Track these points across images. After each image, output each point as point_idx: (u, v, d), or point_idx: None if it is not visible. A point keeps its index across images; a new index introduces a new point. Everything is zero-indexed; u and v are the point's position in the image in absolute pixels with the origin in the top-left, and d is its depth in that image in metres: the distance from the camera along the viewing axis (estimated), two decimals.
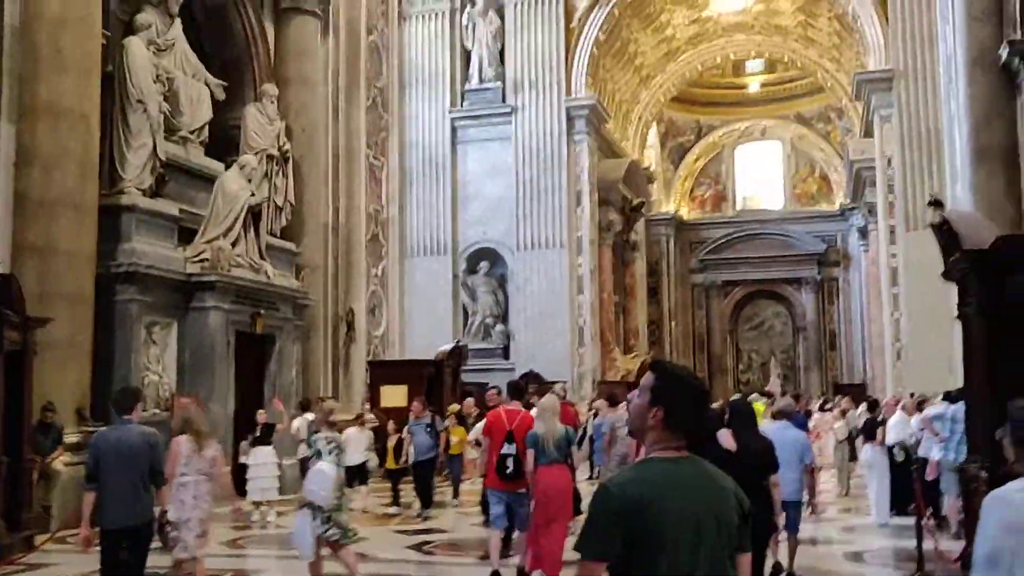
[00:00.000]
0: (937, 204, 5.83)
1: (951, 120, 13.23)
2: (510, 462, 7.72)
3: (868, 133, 26.20)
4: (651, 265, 33.93)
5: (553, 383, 23.20)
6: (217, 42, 13.34)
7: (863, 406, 12.78)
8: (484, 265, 25.51)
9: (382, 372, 14.72)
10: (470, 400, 13.40)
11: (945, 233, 5.26)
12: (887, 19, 23.27)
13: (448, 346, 16.24)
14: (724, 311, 36.46)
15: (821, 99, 33.97)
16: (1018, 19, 10.74)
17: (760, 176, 36.76)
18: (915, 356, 22.42)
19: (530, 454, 7.47)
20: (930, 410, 8.93)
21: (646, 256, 33.20)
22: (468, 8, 25.88)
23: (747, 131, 36.35)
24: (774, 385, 26.68)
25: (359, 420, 11.51)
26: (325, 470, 6.70)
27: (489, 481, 8.00)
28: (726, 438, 6.77)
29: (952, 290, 20.18)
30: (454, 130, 25.75)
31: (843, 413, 13.25)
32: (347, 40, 14.75)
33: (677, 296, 35.58)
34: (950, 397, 8.96)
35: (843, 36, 27.19)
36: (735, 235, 35.97)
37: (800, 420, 9.48)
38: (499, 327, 25.45)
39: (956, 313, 5.85)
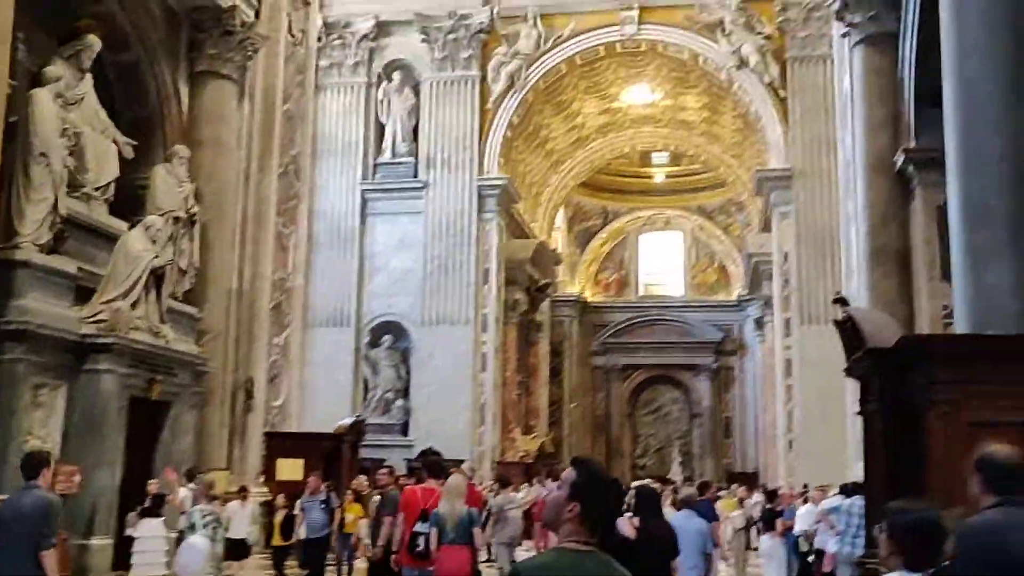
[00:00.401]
0: (842, 302, 6.03)
1: (848, 220, 13.81)
2: (422, 540, 7.82)
3: (767, 228, 27.14)
4: (554, 346, 34.15)
5: (461, 462, 23.02)
6: (129, 100, 13.12)
7: (757, 495, 12.96)
8: (388, 339, 25.30)
9: (279, 444, 14.33)
10: (362, 478, 13.12)
11: (849, 330, 5.43)
12: (787, 121, 24.36)
13: (348, 420, 15.94)
14: (623, 395, 36.82)
15: (722, 193, 35.11)
16: (913, 130, 11.35)
17: (662, 263, 37.61)
18: (807, 447, 22.94)
19: (433, 532, 7.65)
20: (826, 502, 9.11)
21: (550, 337, 33.42)
22: (384, 83, 26.12)
23: (651, 219, 37.27)
24: (675, 472, 26.91)
25: (242, 493, 11.16)
26: (197, 544, 6.46)
27: (401, 558, 8.10)
28: (625, 526, 6.92)
29: (844, 385, 20.77)
30: (364, 202, 25.74)
31: (740, 502, 13.39)
32: (263, 107, 14.67)
33: (578, 378, 35.83)
34: (846, 490, 9.16)
35: (745, 134, 28.27)
36: (636, 320, 36.56)
37: (707, 507, 9.58)
38: (399, 402, 25.18)
39: (858, 409, 5.98)
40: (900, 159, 11.49)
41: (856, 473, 13.58)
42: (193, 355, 12.04)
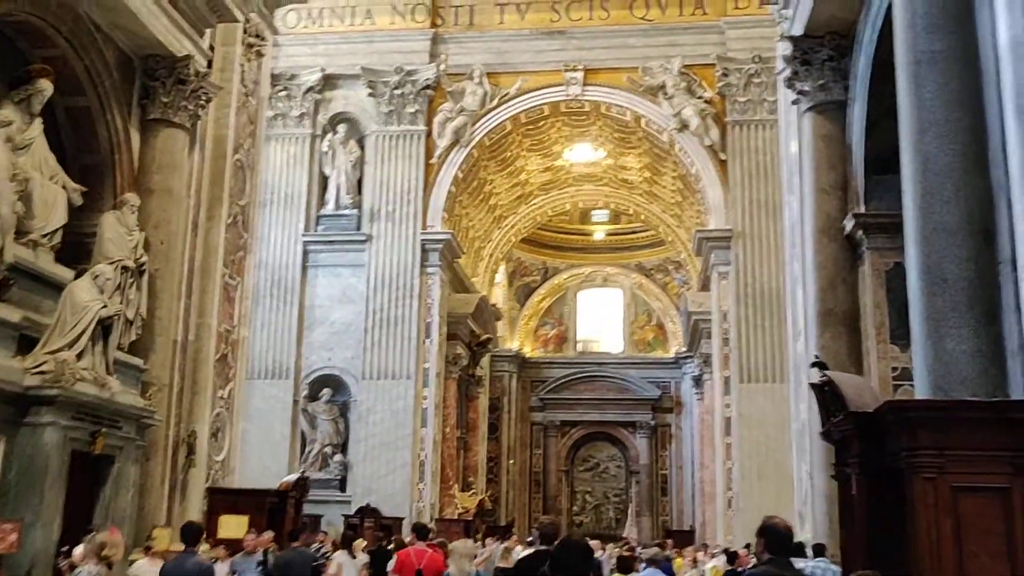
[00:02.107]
0: (820, 365, 6.14)
1: (794, 281, 14.09)
2: None
3: (705, 287, 27.58)
4: (493, 401, 34.05)
5: (400, 519, 22.66)
6: (79, 146, 12.88)
7: (719, 558, 12.97)
8: (327, 392, 24.98)
9: (222, 500, 13.94)
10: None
11: (827, 394, 5.52)
12: (727, 183, 24.90)
13: (293, 476, 15.62)
14: (561, 451, 36.77)
15: (661, 251, 35.62)
16: (862, 194, 11.69)
17: (601, 320, 37.88)
18: (746, 505, 23.10)
19: None
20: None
21: (489, 392, 33.31)
22: (329, 135, 26.11)
23: (590, 276, 37.60)
24: (630, 531, 26.89)
25: (148, 551, 10.64)
26: None
27: None
28: None
29: (785, 444, 20.96)
30: (306, 254, 25.55)
31: (694, 562, 13.40)
32: (213, 156, 14.51)
33: (517, 433, 35.69)
34: (819, 550, 9.21)
35: (685, 195, 28.80)
36: (575, 376, 36.68)
37: (666, 567, 9.59)
38: (337, 457, 24.79)
39: (833, 473, 6.05)
40: (850, 223, 11.81)
41: (805, 534, 13.70)
42: (139, 408, 11.71)
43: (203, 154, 14.41)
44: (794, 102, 13.20)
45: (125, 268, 11.91)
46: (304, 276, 25.48)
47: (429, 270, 25.84)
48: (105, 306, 11.03)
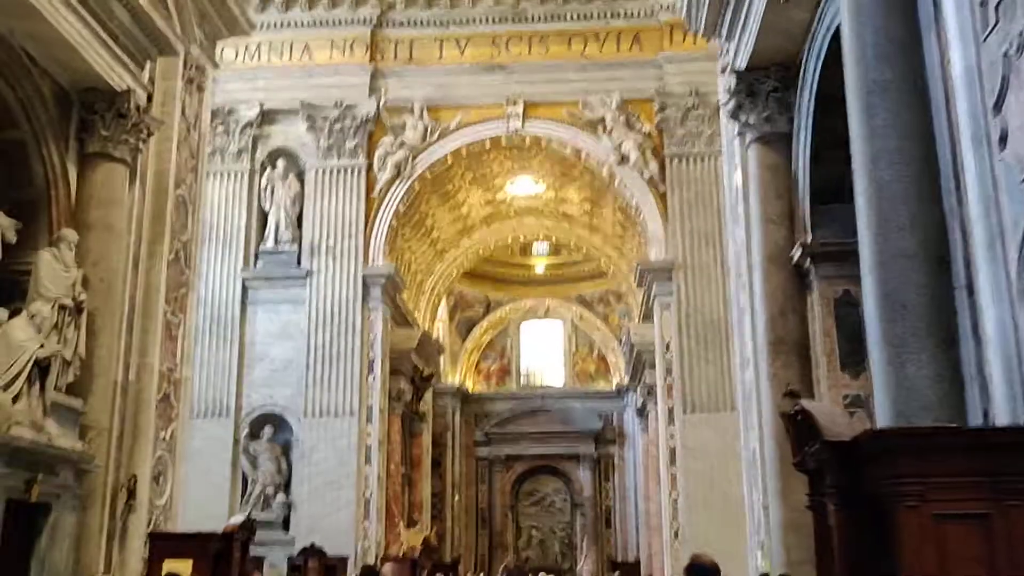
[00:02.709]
0: (793, 394, 6.12)
1: (741, 311, 14.20)
2: None
3: (648, 318, 27.73)
4: (436, 436, 33.68)
5: (345, 559, 22.23)
6: (12, 180, 12.46)
7: None
8: (268, 431, 24.46)
9: (165, 546, 13.40)
10: None
11: (800, 423, 5.49)
12: (667, 215, 25.13)
13: (239, 518, 15.16)
14: (506, 486, 36.51)
15: (602, 283, 35.80)
16: (808, 223, 11.85)
17: (543, 353, 37.86)
18: (692, 535, 23.12)
19: None
20: None
21: (432, 427, 32.98)
22: (268, 170, 25.79)
23: (532, 309, 37.61)
24: (584, 565, 26.73)
25: None
26: None
27: None
28: None
29: (731, 475, 21.04)
30: (245, 290, 25.11)
31: None
32: (154, 191, 14.15)
33: (461, 469, 35.37)
34: None
35: (626, 227, 29.01)
36: (518, 409, 36.55)
37: None
38: (280, 497, 24.23)
39: (807, 503, 6.01)
40: (797, 253, 11.94)
41: (756, 562, 13.71)
42: (77, 452, 11.28)
43: (143, 189, 14.05)
44: (739, 134, 13.37)
45: (63, 307, 11.51)
46: (244, 313, 25.02)
47: (371, 305, 25.56)
48: (42, 346, 10.63)
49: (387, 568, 10.58)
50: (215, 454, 23.78)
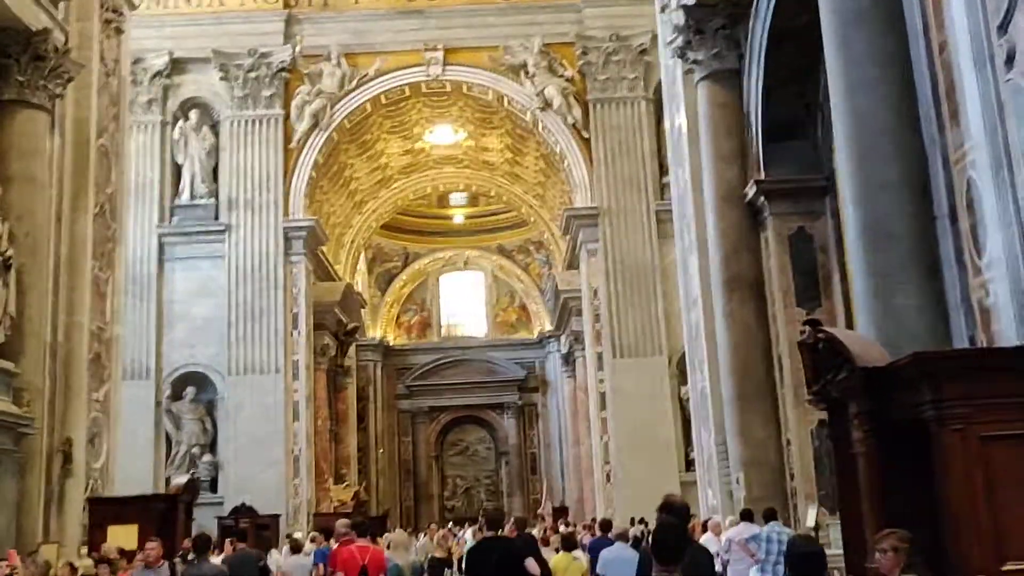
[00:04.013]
0: (813, 323, 6.05)
1: (686, 251, 14.22)
2: None
3: (573, 265, 27.74)
4: (359, 391, 33.29)
5: (277, 516, 21.84)
6: None
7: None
8: (191, 391, 23.75)
9: (106, 510, 12.91)
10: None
11: (821, 352, 5.42)
12: (591, 161, 25.03)
13: (183, 479, 14.70)
14: (430, 437, 36.43)
15: (522, 232, 35.68)
16: (761, 161, 11.85)
17: (464, 304, 37.67)
18: (624, 478, 23.41)
19: None
20: (742, 530, 9.11)
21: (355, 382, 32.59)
22: (181, 122, 24.77)
23: (451, 260, 37.30)
24: (546, 508, 26.81)
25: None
26: None
27: None
28: (532, 566, 7.76)
29: (656, 416, 21.33)
30: (161, 246, 24.19)
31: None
32: (74, 141, 13.35)
33: (384, 422, 35.09)
34: (748, 515, 9.23)
35: (548, 174, 28.85)
36: (441, 361, 36.37)
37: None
38: (206, 457, 23.63)
39: (828, 434, 5.97)
40: (751, 190, 11.95)
41: (708, 500, 13.88)
42: (15, 416, 10.66)
43: (63, 139, 13.26)
44: (687, 72, 13.26)
45: None
46: (161, 270, 24.14)
47: (293, 259, 24.94)
48: None
49: (341, 523, 10.35)
50: (138, 417, 22.82)
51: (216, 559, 10.82)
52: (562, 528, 16.54)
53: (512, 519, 10.62)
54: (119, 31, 14.70)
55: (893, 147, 7.51)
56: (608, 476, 24.62)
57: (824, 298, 11.48)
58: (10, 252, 11.19)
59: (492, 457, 36.92)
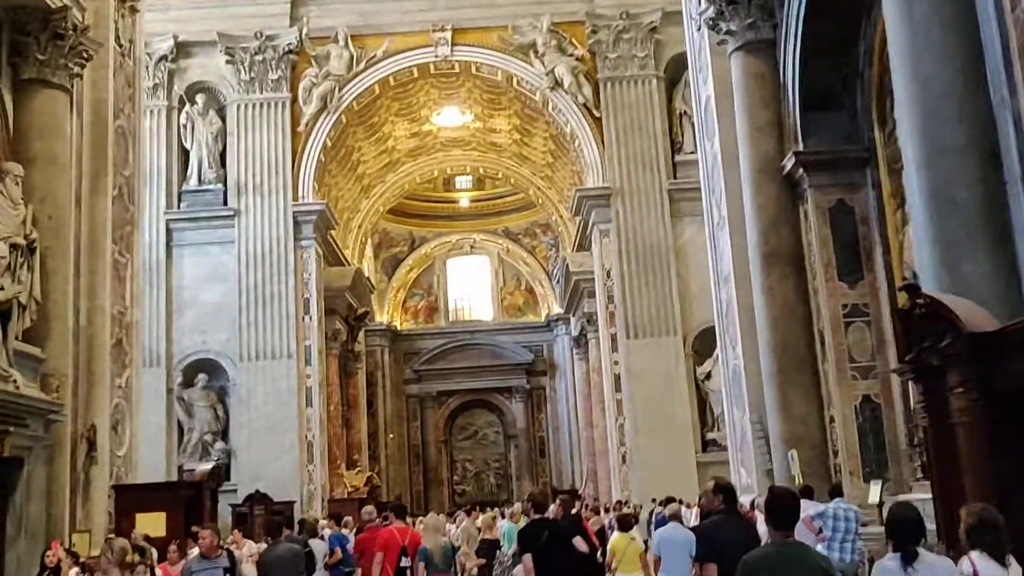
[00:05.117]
0: (914, 288, 5.82)
1: (717, 227, 13.98)
2: (409, 574, 8.63)
3: (584, 246, 27.51)
4: (367, 376, 33.09)
5: (292, 503, 21.67)
6: None
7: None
8: (202, 377, 23.54)
9: (133, 497, 12.70)
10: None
11: (922, 318, 5.19)
12: (603, 141, 24.77)
13: (208, 465, 14.50)
14: (439, 422, 36.27)
15: (528, 215, 35.41)
16: (799, 132, 11.62)
17: (470, 288, 37.44)
18: (640, 459, 23.25)
19: (420, 567, 8.37)
20: (805, 507, 8.88)
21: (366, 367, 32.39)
22: (187, 107, 24.47)
23: (458, 244, 37.05)
24: (587, 490, 26.71)
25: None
26: None
27: None
28: (580, 543, 8.09)
29: (672, 396, 21.12)
30: (169, 232, 23.92)
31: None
32: (92, 122, 13.10)
33: (393, 407, 34.90)
34: (808, 492, 9.03)
35: (558, 155, 28.58)
36: (448, 346, 36.18)
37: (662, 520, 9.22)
38: (219, 444, 23.42)
39: (922, 405, 5.74)
40: (790, 162, 11.72)
41: (742, 479, 13.69)
42: (45, 402, 10.43)
43: (81, 120, 12.98)
44: (719, 43, 13.00)
45: (14, 246, 10.54)
46: (169, 256, 23.90)
47: (303, 243, 24.69)
48: (2, 289, 9.71)
49: (368, 508, 10.32)
50: (149, 405, 22.29)
51: (244, 550, 10.56)
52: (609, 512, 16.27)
53: (558, 500, 10.52)
54: (134, 10, 14.41)
55: (959, 110, 7.30)
56: (624, 457, 24.44)
57: (866, 271, 11.29)
58: (35, 235, 10.91)
59: (501, 441, 36.78)
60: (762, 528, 8.94)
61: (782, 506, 4.27)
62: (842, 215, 11.39)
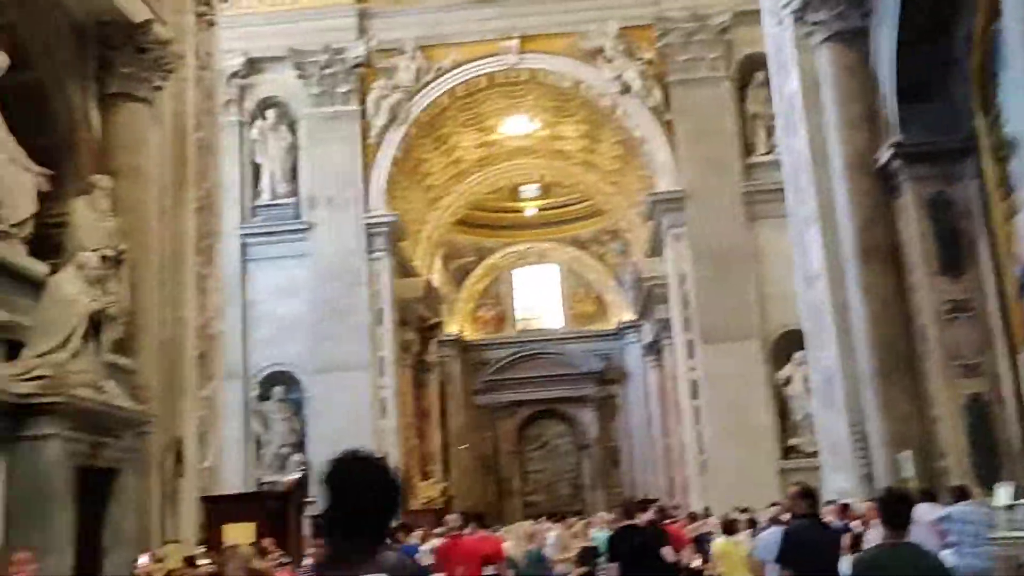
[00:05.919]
0: None
1: (805, 224, 13.57)
2: None
3: (656, 252, 27.13)
4: (439, 387, 33.05)
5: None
6: (31, 125, 11.36)
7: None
8: (278, 390, 23.71)
9: (219, 509, 12.71)
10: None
11: None
12: (674, 144, 24.43)
13: (295, 475, 14.48)
14: (510, 432, 36.05)
15: (596, 222, 35.10)
16: (896, 123, 11.21)
17: (539, 297, 37.24)
18: (720, 467, 22.76)
19: (510, 574, 9.09)
20: (927, 511, 8.47)
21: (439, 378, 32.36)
22: (259, 121, 24.72)
23: (525, 254, 36.88)
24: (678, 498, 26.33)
25: None
26: None
27: None
28: (669, 553, 8.18)
29: (752, 402, 20.61)
30: (244, 247, 24.12)
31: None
32: (173, 134, 13.22)
33: (463, 418, 34.80)
34: (930, 495, 8.63)
35: (626, 160, 28.27)
36: (518, 355, 35.98)
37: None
38: (296, 457, 23.49)
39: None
40: (886, 155, 11.33)
41: (836, 484, 13.24)
42: (138, 413, 10.45)
43: (163, 133, 13.07)
44: (807, 34, 12.64)
45: (104, 257, 10.60)
46: (244, 271, 24.07)
47: (376, 255, 24.77)
48: (95, 300, 9.74)
49: (452, 517, 10.18)
50: (226, 418, 22.78)
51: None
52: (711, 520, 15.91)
53: (651, 510, 10.28)
54: (211, 24, 14.51)
55: None
56: (703, 466, 23.98)
57: (969, 264, 10.83)
58: (122, 247, 10.96)
59: (572, 451, 36.41)
60: (872, 533, 8.60)
61: (895, 507, 4.33)
62: (942, 208, 10.96)
